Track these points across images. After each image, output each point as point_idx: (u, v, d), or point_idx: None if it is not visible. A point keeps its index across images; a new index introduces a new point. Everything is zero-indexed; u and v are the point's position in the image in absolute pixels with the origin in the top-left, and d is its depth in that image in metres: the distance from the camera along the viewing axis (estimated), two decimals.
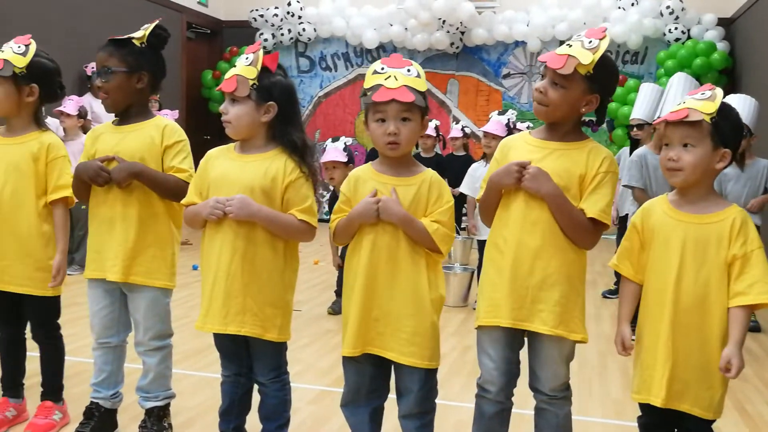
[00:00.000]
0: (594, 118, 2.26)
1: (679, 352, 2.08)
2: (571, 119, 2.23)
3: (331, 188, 5.19)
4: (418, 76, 2.20)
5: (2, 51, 2.71)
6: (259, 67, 2.32)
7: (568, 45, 2.18)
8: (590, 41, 2.15)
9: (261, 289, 2.34)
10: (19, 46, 2.71)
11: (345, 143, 4.81)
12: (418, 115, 2.21)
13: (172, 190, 2.57)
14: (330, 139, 4.89)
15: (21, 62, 2.68)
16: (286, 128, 2.37)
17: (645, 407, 2.21)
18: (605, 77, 2.19)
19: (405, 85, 2.15)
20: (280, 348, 2.47)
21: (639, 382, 2.17)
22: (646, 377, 2.14)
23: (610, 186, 2.19)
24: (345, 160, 4.74)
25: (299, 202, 2.34)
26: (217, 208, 2.30)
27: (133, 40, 2.58)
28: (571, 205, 2.17)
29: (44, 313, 2.84)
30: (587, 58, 2.11)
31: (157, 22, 2.66)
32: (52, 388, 2.90)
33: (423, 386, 2.27)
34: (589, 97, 2.17)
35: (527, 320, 2.19)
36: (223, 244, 2.34)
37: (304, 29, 9.74)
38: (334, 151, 4.74)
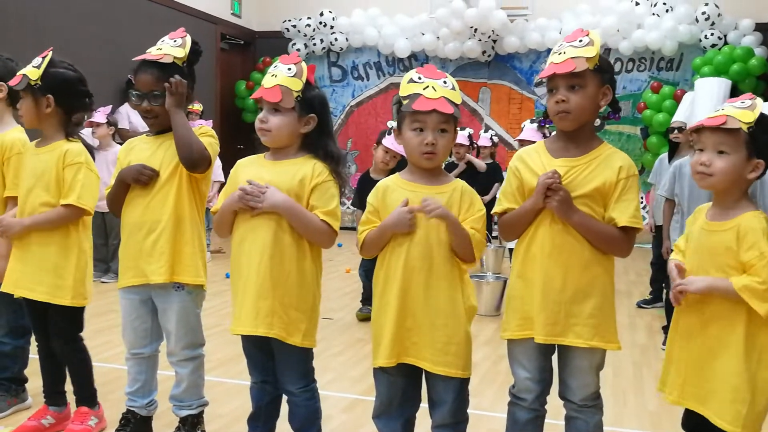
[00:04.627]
0: (609, 111, 2.28)
1: (692, 352, 2.09)
2: (593, 121, 2.23)
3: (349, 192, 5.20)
4: (453, 88, 2.22)
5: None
6: (304, 79, 2.36)
7: (558, 54, 2.16)
8: (580, 40, 2.17)
9: (287, 291, 2.35)
10: (37, 60, 2.79)
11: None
12: (453, 127, 2.22)
13: (194, 155, 2.56)
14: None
15: (35, 74, 2.75)
16: (322, 139, 2.41)
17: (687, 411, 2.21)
18: (608, 66, 2.24)
19: (443, 97, 2.17)
20: (305, 355, 2.46)
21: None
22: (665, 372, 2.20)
23: (634, 190, 2.19)
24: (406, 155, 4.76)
25: (323, 204, 2.34)
26: (248, 191, 2.29)
27: (175, 60, 2.59)
28: (600, 224, 2.17)
29: (65, 323, 2.84)
30: (590, 52, 2.14)
31: (187, 35, 2.68)
32: (84, 396, 2.93)
33: (457, 397, 2.26)
34: (603, 89, 2.19)
35: (561, 335, 2.19)
36: (252, 245, 2.36)
37: (336, 39, 9.80)
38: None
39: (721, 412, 2.03)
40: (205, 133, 2.66)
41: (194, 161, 2.57)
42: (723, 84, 7.18)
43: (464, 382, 2.27)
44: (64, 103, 2.81)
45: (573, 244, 2.17)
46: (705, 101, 6.31)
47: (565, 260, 2.17)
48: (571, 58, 2.13)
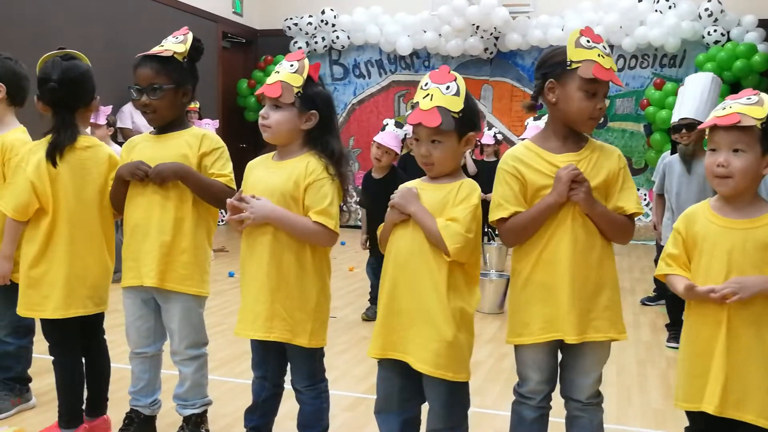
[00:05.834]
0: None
1: (737, 360, 2.01)
2: None
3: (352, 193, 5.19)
4: (457, 93, 2.15)
5: None
6: (305, 75, 2.36)
7: (602, 56, 2.16)
8: (587, 40, 2.18)
9: (289, 293, 2.35)
10: None
11: (405, 134, 4.78)
12: (452, 136, 2.15)
13: (217, 195, 2.59)
14: (393, 121, 4.86)
15: None
16: (324, 136, 2.39)
17: (694, 416, 2.15)
18: None
19: (436, 107, 2.11)
20: (312, 355, 2.46)
21: (687, 389, 2.11)
22: (696, 385, 2.07)
23: (630, 176, 2.27)
24: (398, 151, 4.75)
25: (317, 203, 2.32)
26: (235, 207, 2.32)
27: (175, 55, 2.58)
28: (614, 214, 2.21)
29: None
30: (611, 63, 2.19)
31: (190, 32, 2.67)
32: (59, 412, 2.80)
33: (446, 401, 2.20)
34: None
35: (585, 332, 2.18)
36: (253, 249, 2.37)
37: (337, 37, 9.78)
38: (392, 138, 4.72)
39: (764, 411, 1.99)
40: (214, 150, 2.63)
41: (223, 202, 2.57)
42: (707, 78, 7.06)
43: (454, 386, 2.18)
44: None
45: (592, 239, 2.19)
46: (689, 95, 6.27)
47: (587, 257, 2.18)
48: (609, 69, 2.16)
